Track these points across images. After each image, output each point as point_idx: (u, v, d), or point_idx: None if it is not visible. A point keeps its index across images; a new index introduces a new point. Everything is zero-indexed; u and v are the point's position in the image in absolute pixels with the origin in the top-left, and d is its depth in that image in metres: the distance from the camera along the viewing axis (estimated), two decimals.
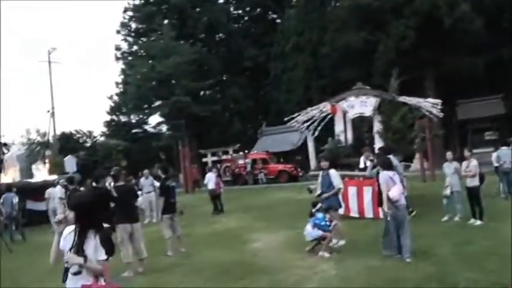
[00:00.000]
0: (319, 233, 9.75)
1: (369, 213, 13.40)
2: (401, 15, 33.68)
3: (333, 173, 10.83)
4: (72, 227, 4.14)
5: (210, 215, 18.76)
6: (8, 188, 18.51)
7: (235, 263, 9.83)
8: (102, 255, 4.03)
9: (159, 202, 12.15)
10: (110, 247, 4.09)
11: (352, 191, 13.89)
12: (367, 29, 35.80)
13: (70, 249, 4.05)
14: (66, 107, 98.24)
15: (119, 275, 9.29)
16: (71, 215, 4.19)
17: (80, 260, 3.97)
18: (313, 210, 10.23)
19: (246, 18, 58.16)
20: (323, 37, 40.39)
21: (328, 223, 9.90)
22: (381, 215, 10.06)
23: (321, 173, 11.10)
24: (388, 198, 8.71)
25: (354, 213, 13.82)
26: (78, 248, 4.02)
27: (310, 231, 9.88)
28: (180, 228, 11.72)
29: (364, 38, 35.21)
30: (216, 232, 14.43)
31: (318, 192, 10.91)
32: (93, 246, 4.04)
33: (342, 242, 10.40)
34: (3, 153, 34.74)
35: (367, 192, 13.35)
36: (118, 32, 53.12)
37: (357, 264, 8.75)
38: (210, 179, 19.93)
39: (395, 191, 8.72)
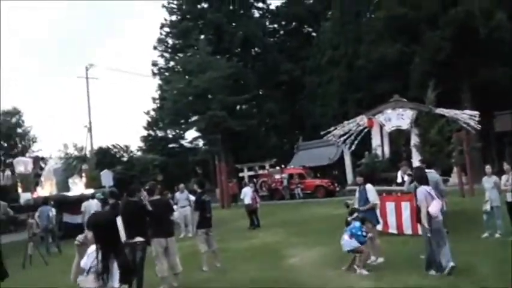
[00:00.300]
0: (356, 244, 9.45)
1: (407, 230, 13.03)
2: (436, 26, 33.23)
3: (369, 188, 10.60)
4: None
5: (246, 230, 18.64)
6: (45, 201, 18.74)
7: (271, 279, 9.66)
8: (115, 283, 3.75)
9: (194, 216, 12.08)
10: (125, 274, 3.81)
11: (390, 206, 13.56)
12: (402, 40, 35.46)
13: (88, 271, 3.87)
14: (103, 122, 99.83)
15: None
16: (89, 235, 4.02)
17: (93, 284, 3.78)
18: (350, 218, 9.98)
19: (281, 32, 58.23)
20: (358, 50, 40.16)
21: (364, 234, 9.61)
22: (420, 232, 9.78)
23: (357, 188, 10.90)
24: (428, 214, 8.45)
25: (393, 229, 13.48)
26: (97, 271, 3.81)
27: (347, 241, 9.57)
28: (216, 242, 11.61)
29: (400, 50, 34.87)
30: (252, 247, 14.28)
31: (355, 206, 10.67)
32: (110, 270, 3.80)
33: (380, 260, 10.12)
34: (41, 168, 35.31)
35: (405, 208, 13.00)
36: (155, 48, 53.95)
37: (395, 282, 8.49)
38: (246, 194, 19.86)
39: (435, 207, 8.46)
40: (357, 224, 9.66)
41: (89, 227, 4.14)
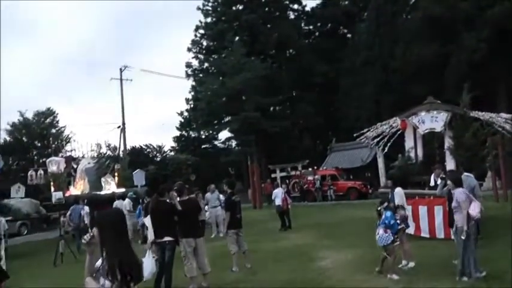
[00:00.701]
0: (391, 237, 9.17)
1: (440, 234, 12.79)
2: (472, 27, 32.70)
3: (397, 191, 10.36)
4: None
5: (277, 231, 18.58)
6: (76, 200, 19.02)
7: (301, 281, 9.62)
8: (107, 283, 3.67)
9: (224, 217, 12.10)
10: (113, 274, 3.67)
11: (422, 210, 13.33)
12: (438, 41, 34.95)
13: (98, 270, 3.82)
14: (136, 122, 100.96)
15: None
16: (95, 233, 3.94)
17: (95, 285, 3.74)
18: (380, 207, 9.74)
19: (316, 33, 58.00)
20: (394, 51, 39.74)
21: (398, 221, 9.39)
22: (452, 236, 9.61)
23: (389, 191, 10.74)
24: (467, 216, 8.28)
25: (425, 233, 13.26)
26: (102, 271, 3.76)
27: (382, 235, 9.26)
28: (246, 243, 11.61)
29: (435, 51, 34.37)
30: (282, 249, 14.21)
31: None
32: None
33: (411, 264, 9.94)
34: (73, 167, 35.83)
35: (438, 212, 12.75)
36: (189, 49, 54.28)
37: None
38: (277, 195, 19.80)
39: (477, 208, 8.29)
40: (388, 213, 9.39)
41: (95, 225, 4.08)
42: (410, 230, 13.31)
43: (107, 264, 3.70)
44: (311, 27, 58.12)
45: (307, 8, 56.79)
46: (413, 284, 8.65)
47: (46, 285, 10.98)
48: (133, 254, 3.89)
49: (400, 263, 9.78)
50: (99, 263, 3.86)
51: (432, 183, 13.83)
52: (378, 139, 18.84)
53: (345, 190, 34.04)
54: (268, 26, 52.96)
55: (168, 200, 9.40)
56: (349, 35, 54.16)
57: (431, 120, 17.71)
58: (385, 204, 9.76)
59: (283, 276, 10.18)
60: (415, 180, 16.57)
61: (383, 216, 9.45)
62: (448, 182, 9.12)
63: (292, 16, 56.69)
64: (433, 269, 9.53)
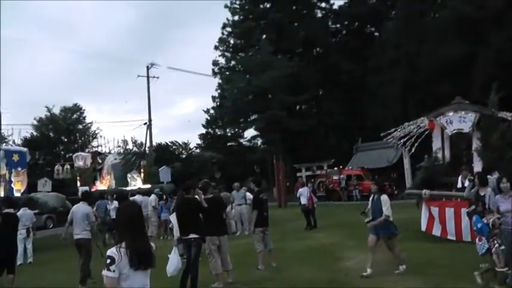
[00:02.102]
0: (486, 245, 8.33)
1: (466, 237, 12.60)
2: (501, 26, 32.19)
3: (385, 198, 9.90)
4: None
5: (303, 230, 18.55)
6: (102, 194, 19.21)
7: (325, 281, 9.59)
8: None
9: (251, 215, 12.08)
10: (132, 261, 3.88)
11: (449, 212, 13.19)
12: (466, 40, 34.49)
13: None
14: (162, 119, 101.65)
15: (208, 286, 9.30)
16: None
17: (111, 275, 3.89)
18: (467, 210, 9.41)
19: (343, 32, 57.60)
20: (421, 50, 39.31)
21: (486, 222, 8.31)
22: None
23: (371, 197, 10.32)
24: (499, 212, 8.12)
25: (451, 235, 13.08)
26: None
27: (479, 245, 8.50)
28: (272, 242, 11.60)
29: (463, 50, 33.93)
30: (308, 248, 14.18)
31: (369, 218, 10.02)
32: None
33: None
34: (99, 163, 36.29)
35: (465, 214, 12.52)
36: (216, 47, 54.39)
37: None
38: (303, 194, 19.74)
39: (509, 204, 8.14)
40: (475, 218, 8.67)
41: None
42: (437, 232, 13.21)
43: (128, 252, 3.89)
44: (338, 25, 57.69)
45: (335, 6, 56.43)
46: (441, 287, 8.53)
47: (70, 277, 11.09)
48: (146, 243, 4.05)
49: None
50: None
51: (459, 185, 13.63)
52: (405, 139, 18.56)
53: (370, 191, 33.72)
54: (296, 24, 52.88)
55: (195, 196, 9.42)
56: (376, 34, 53.71)
57: (460, 120, 17.36)
58: (472, 207, 9.15)
59: (308, 275, 10.18)
60: (442, 182, 16.33)
61: (474, 225, 8.76)
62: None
63: (319, 14, 56.42)
64: (460, 272, 9.38)
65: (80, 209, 11.22)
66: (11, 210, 10.24)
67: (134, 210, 4.21)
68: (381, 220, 9.68)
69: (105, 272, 3.88)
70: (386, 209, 9.69)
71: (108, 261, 3.88)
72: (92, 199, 14.58)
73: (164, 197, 20.87)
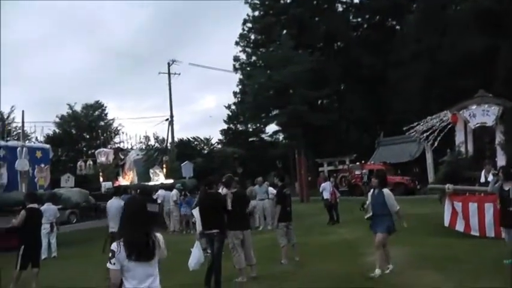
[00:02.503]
0: None
1: (490, 232, 12.47)
2: None
3: (388, 192, 9.66)
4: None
5: (325, 225, 18.57)
6: (125, 189, 19.46)
7: (349, 275, 9.63)
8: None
9: (275, 210, 12.15)
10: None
11: (472, 207, 12.96)
12: (488, 33, 34.07)
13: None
14: (184, 115, 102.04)
15: (232, 280, 9.40)
16: None
17: (113, 267, 4.13)
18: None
19: (365, 26, 57.18)
20: (443, 43, 38.92)
21: None
22: (503, 235, 9.40)
23: (371, 191, 10.07)
24: None
25: (474, 231, 12.89)
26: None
27: None
28: (295, 236, 11.67)
29: (485, 43, 33.54)
30: (331, 242, 14.22)
31: (370, 214, 9.89)
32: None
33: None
34: (121, 159, 36.62)
35: (489, 209, 12.39)
36: (237, 43, 54.46)
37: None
38: (326, 189, 19.74)
39: None
40: None
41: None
42: (460, 227, 13.10)
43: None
44: (359, 19, 57.20)
45: (356, 0, 56.07)
46: (464, 283, 8.51)
47: (94, 270, 11.26)
48: (143, 236, 4.20)
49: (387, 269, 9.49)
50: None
51: (483, 180, 13.50)
52: (428, 133, 18.46)
53: (392, 185, 33.55)
54: (316, 19, 52.63)
55: (220, 190, 9.51)
56: (397, 27, 53.25)
57: (483, 114, 17.20)
58: None
59: (332, 270, 10.21)
60: (465, 176, 16.19)
61: None
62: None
63: (340, 8, 56.09)
64: (482, 269, 9.33)
65: (114, 203, 11.62)
66: (35, 205, 10.47)
67: (136, 206, 4.43)
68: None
69: (108, 265, 4.10)
70: (394, 204, 9.49)
71: (110, 254, 4.10)
72: (120, 193, 14.90)
73: (183, 192, 21.07)
